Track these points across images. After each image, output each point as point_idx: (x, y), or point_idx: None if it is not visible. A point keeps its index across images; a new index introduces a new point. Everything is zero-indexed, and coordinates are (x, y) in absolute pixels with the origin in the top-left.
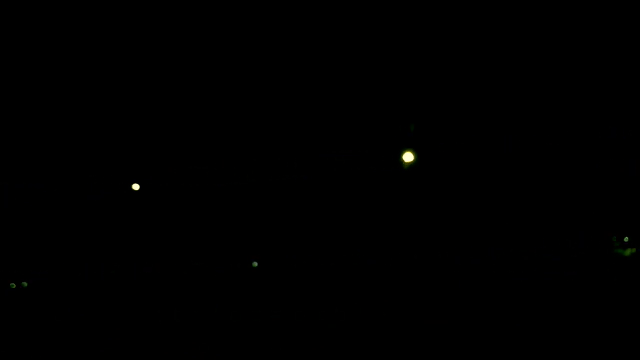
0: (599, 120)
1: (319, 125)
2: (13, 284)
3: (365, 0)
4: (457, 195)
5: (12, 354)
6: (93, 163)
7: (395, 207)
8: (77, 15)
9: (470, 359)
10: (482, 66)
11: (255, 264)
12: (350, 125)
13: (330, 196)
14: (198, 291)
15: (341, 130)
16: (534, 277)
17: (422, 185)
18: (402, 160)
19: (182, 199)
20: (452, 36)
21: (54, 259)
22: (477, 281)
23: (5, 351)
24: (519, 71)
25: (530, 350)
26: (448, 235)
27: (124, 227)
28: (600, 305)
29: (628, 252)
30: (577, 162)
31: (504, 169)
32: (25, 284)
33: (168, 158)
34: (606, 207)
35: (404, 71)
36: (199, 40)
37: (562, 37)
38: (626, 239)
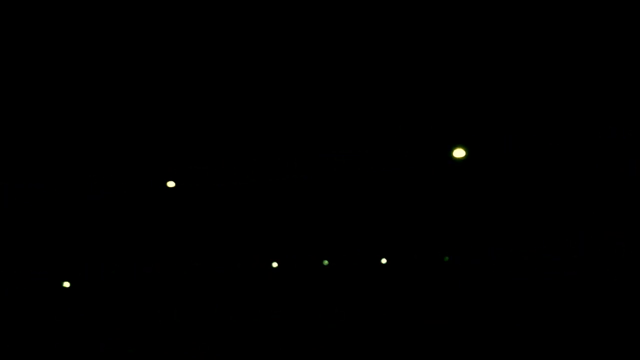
0: (599, 120)
1: (318, 125)
2: (67, 282)
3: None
4: (456, 195)
5: (13, 354)
6: (93, 163)
7: (394, 207)
8: (77, 15)
9: (470, 359)
10: (480, 66)
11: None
12: (350, 126)
13: (330, 196)
14: (198, 291)
15: (342, 131)
16: (534, 277)
17: (420, 186)
18: (453, 157)
19: (182, 199)
20: (453, 35)
21: (54, 259)
22: (477, 281)
23: (6, 351)
24: (518, 71)
25: (530, 350)
26: (448, 235)
27: (124, 227)
28: (600, 305)
29: None
30: (577, 162)
31: (503, 168)
32: (68, 284)
33: (167, 158)
34: (606, 207)
35: (404, 71)
36: (199, 40)
37: (562, 37)
38: None
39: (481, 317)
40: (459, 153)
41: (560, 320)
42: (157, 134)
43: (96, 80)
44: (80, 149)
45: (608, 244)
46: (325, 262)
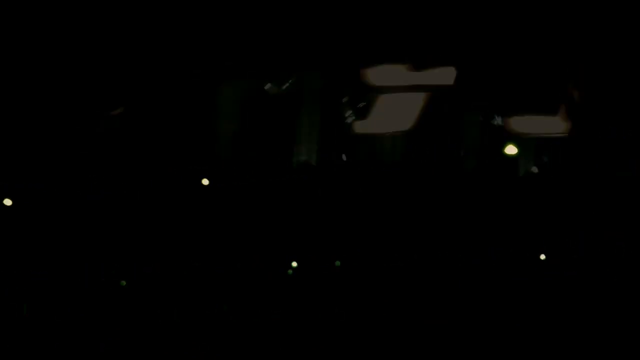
0: (599, 120)
1: (319, 125)
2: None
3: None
4: (456, 195)
5: (12, 354)
6: (93, 163)
7: (394, 207)
8: (77, 15)
9: (470, 359)
10: (478, 64)
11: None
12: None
13: (330, 196)
14: (198, 291)
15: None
16: (534, 277)
17: (419, 185)
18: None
19: (181, 199)
20: (453, 35)
21: (54, 259)
22: (477, 281)
23: (6, 351)
24: (517, 70)
25: (531, 350)
26: (448, 235)
27: (124, 227)
28: (600, 305)
29: None
30: (577, 162)
31: (503, 168)
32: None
33: (167, 158)
34: (606, 207)
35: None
36: (199, 39)
37: (561, 37)
38: None
39: (481, 317)
40: (510, 150)
41: (560, 320)
42: (157, 134)
43: (96, 80)
44: (81, 149)
45: (608, 244)
46: (337, 263)
